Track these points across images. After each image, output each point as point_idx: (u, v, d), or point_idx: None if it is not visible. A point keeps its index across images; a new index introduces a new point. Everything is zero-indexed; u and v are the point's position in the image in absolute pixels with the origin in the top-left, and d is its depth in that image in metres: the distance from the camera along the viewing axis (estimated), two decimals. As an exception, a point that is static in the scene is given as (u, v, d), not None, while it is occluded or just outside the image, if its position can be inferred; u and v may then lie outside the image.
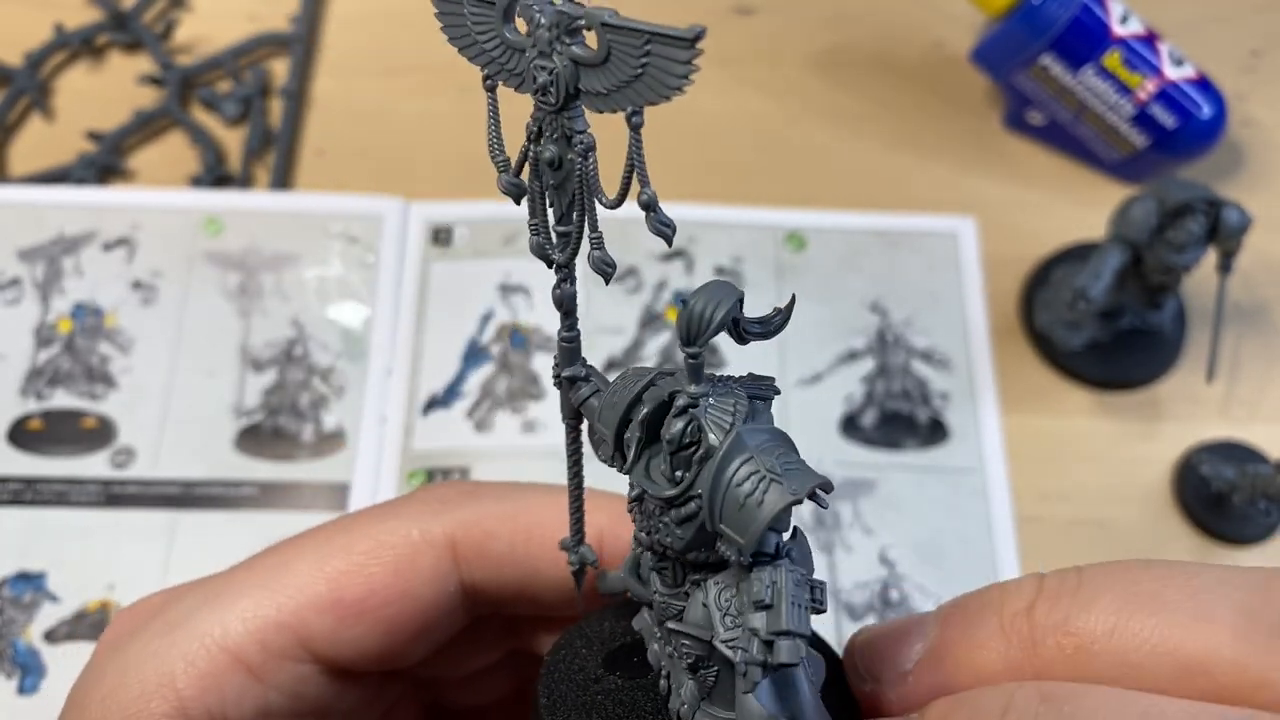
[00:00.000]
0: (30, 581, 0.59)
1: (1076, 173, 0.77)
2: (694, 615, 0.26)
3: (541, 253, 0.27)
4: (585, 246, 0.26)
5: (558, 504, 0.34)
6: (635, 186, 0.25)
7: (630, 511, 0.26)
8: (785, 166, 0.76)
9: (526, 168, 0.26)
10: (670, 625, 0.26)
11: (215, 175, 0.73)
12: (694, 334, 0.24)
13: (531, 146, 0.25)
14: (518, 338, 0.67)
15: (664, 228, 0.25)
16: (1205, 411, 0.68)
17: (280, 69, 0.78)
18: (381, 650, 0.33)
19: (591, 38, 0.24)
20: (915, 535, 0.63)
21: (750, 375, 0.26)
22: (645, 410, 0.26)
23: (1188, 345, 0.70)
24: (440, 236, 0.70)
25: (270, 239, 0.69)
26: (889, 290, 0.70)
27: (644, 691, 0.29)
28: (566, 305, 0.28)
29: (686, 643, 0.26)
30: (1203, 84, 0.71)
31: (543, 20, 0.23)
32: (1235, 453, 0.65)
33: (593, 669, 0.30)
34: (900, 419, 0.66)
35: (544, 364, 0.66)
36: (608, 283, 0.26)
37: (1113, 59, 0.70)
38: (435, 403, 0.65)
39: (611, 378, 0.28)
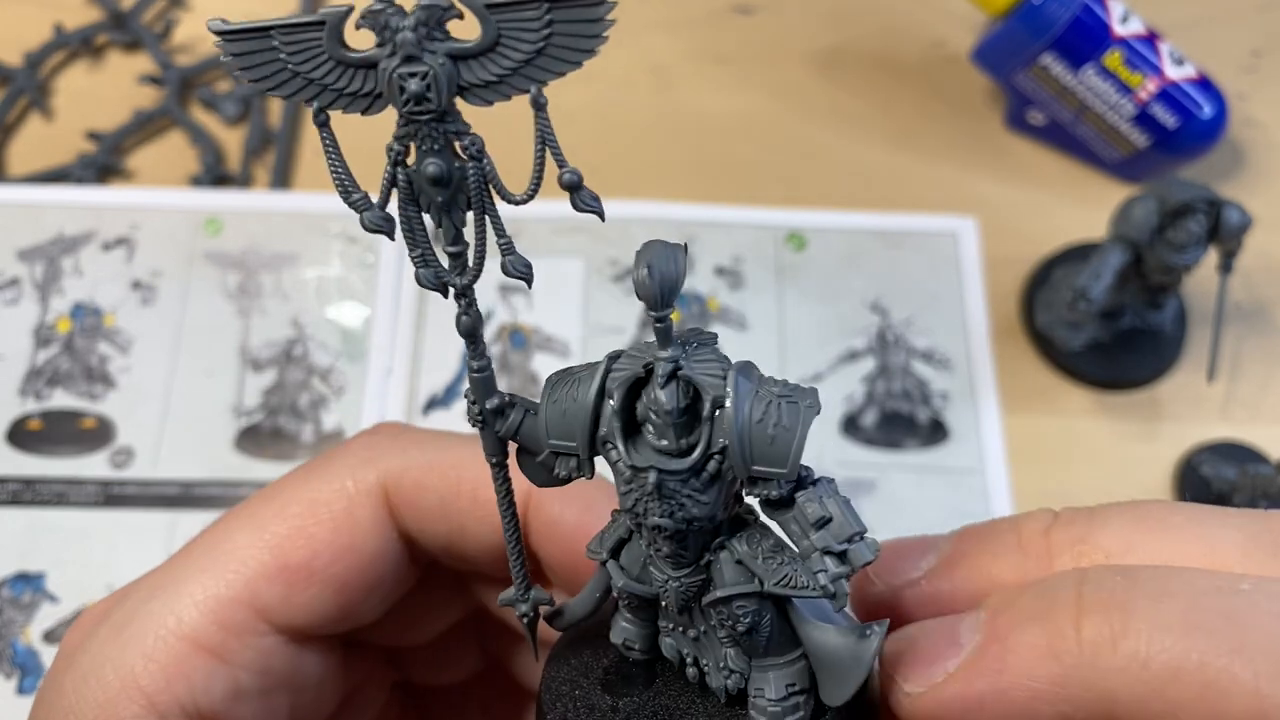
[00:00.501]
0: (29, 582, 0.59)
1: (1077, 172, 0.76)
2: (729, 577, 0.26)
3: (436, 283, 0.25)
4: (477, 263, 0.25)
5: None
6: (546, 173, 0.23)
7: (638, 504, 0.25)
8: (785, 166, 0.76)
9: (393, 196, 0.24)
10: (715, 595, 0.26)
11: (215, 175, 0.73)
12: (666, 294, 0.23)
13: (399, 170, 0.23)
14: (518, 338, 0.67)
15: (594, 204, 0.23)
16: (1206, 412, 0.68)
17: (280, 68, 0.78)
18: (338, 609, 0.32)
19: (459, 27, 0.22)
20: (915, 535, 0.63)
21: (691, 330, 0.25)
22: (617, 396, 0.25)
23: (1188, 345, 0.70)
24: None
25: (270, 239, 0.69)
26: (889, 290, 0.70)
27: (666, 695, 0.28)
28: (475, 332, 0.26)
29: (740, 604, 0.26)
30: (1203, 84, 0.71)
31: (403, 24, 0.22)
32: (1236, 453, 0.65)
33: (600, 701, 0.29)
34: (901, 419, 0.66)
35: (544, 364, 0.66)
36: (530, 285, 0.25)
37: (1113, 59, 0.70)
38: (435, 403, 0.65)
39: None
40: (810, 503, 0.24)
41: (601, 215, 0.23)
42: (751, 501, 0.26)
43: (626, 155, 0.73)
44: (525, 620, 0.30)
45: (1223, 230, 0.62)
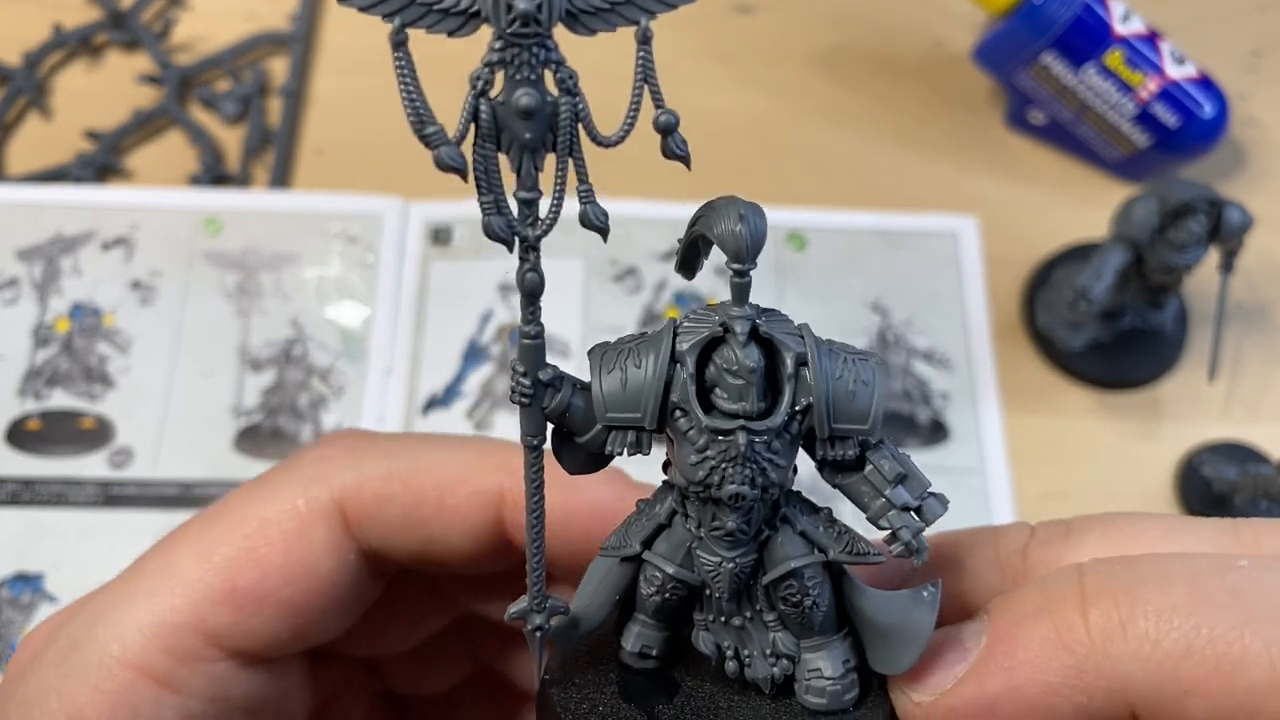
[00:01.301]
0: (28, 582, 0.59)
1: (1078, 172, 0.76)
2: (790, 550, 0.26)
3: (506, 233, 0.23)
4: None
5: (454, 459, 0.32)
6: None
7: (714, 472, 0.24)
8: (785, 166, 0.75)
9: (469, 133, 0.22)
10: (781, 571, 0.25)
11: (214, 175, 0.73)
12: (756, 247, 0.23)
13: (481, 101, 0.21)
14: (512, 337, 0.67)
15: (682, 149, 0.23)
16: (1207, 412, 0.68)
17: (279, 68, 0.78)
18: (291, 632, 0.31)
19: None
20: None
21: (722, 302, 0.25)
22: (691, 359, 0.24)
23: (1189, 345, 0.70)
24: (440, 236, 0.69)
25: (269, 239, 0.69)
26: (890, 290, 0.70)
27: (700, 698, 0.27)
28: (537, 292, 0.24)
29: (811, 574, 0.25)
30: (1204, 83, 0.71)
31: None
32: (1237, 453, 0.65)
33: (631, 713, 0.27)
34: (901, 419, 0.66)
35: (544, 364, 0.66)
36: (606, 239, 0.24)
37: (1114, 58, 0.70)
38: (435, 403, 0.65)
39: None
40: (886, 460, 0.25)
41: (688, 163, 0.23)
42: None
43: (626, 155, 0.73)
44: (538, 634, 0.27)
45: (1224, 230, 0.62)
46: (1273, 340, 0.70)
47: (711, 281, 0.69)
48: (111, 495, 0.61)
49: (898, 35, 0.81)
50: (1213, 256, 0.64)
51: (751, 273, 0.23)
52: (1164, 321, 0.69)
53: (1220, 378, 0.68)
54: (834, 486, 0.26)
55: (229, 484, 0.62)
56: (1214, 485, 0.63)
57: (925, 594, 0.25)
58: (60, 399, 0.64)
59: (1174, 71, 0.71)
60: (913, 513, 0.25)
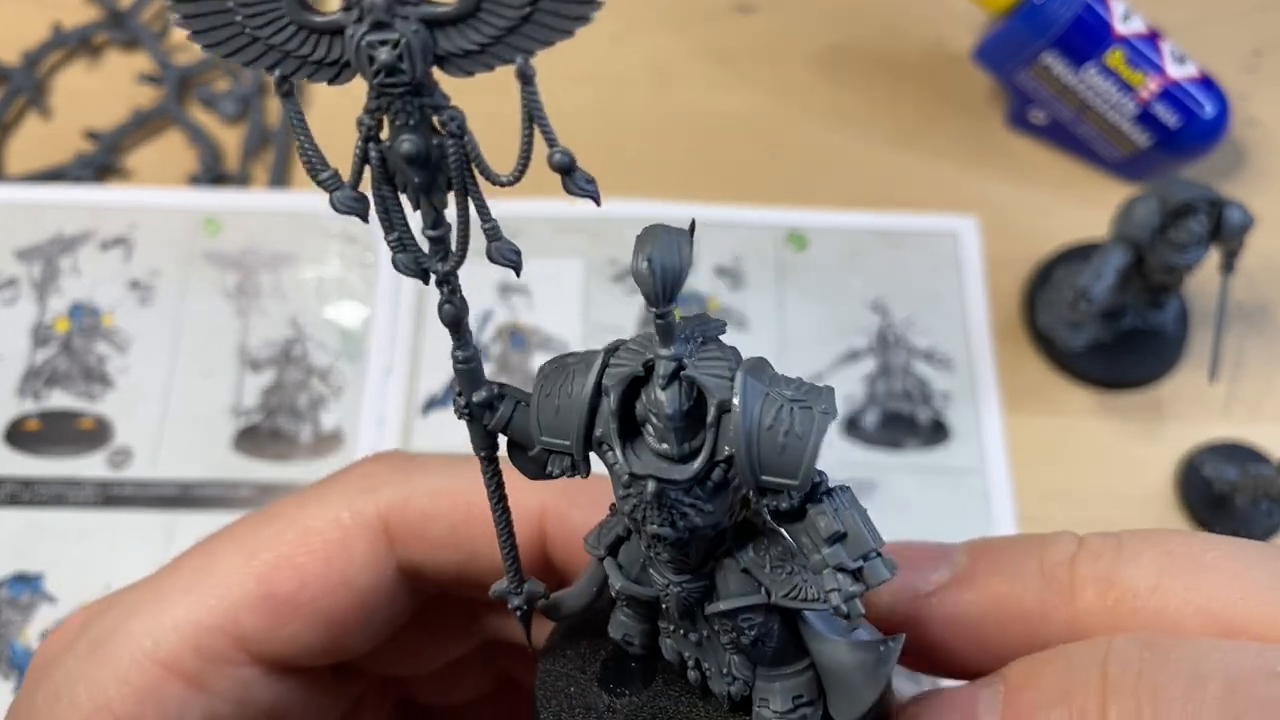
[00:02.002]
0: (28, 583, 0.59)
1: (1079, 172, 0.76)
2: (735, 587, 0.24)
3: (416, 268, 0.23)
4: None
5: None
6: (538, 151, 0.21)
7: (635, 510, 0.23)
8: (786, 166, 0.75)
9: (365, 174, 0.22)
10: (719, 608, 0.24)
11: (213, 174, 0.72)
12: (668, 288, 0.21)
13: (371, 146, 0.22)
14: (517, 338, 0.67)
15: (588, 187, 0.21)
16: (1207, 412, 0.68)
17: (279, 68, 0.77)
18: (323, 644, 0.31)
19: None
20: (917, 536, 0.62)
21: (696, 317, 0.24)
22: (614, 395, 0.23)
23: (1190, 345, 0.69)
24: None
25: (268, 238, 0.69)
26: (890, 290, 0.70)
27: (667, 696, 0.27)
28: (460, 320, 0.24)
29: (745, 615, 0.24)
30: (1205, 83, 0.71)
31: None
32: (1237, 453, 0.65)
33: (597, 700, 0.28)
34: (901, 419, 0.66)
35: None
36: (519, 274, 0.23)
37: (1115, 57, 0.70)
38: (435, 403, 0.65)
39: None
40: (822, 516, 0.22)
41: (597, 200, 0.21)
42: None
43: (626, 155, 0.73)
44: (519, 613, 0.29)
45: (1224, 230, 0.62)
46: (1273, 340, 0.70)
47: (712, 281, 0.69)
48: (110, 495, 0.61)
49: (898, 35, 0.81)
50: (1213, 256, 0.64)
51: (674, 311, 0.22)
52: (1165, 321, 0.69)
53: (1221, 378, 0.68)
54: (780, 528, 0.24)
55: (228, 484, 0.62)
56: (1214, 485, 0.63)
57: (881, 649, 0.24)
58: (59, 399, 0.64)
59: (1175, 71, 0.71)
60: (852, 574, 0.22)
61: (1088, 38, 0.70)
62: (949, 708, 0.24)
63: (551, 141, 0.20)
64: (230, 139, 0.75)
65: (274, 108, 0.76)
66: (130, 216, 0.69)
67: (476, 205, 0.22)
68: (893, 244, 0.71)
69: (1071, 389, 0.68)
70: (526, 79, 0.20)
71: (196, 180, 0.72)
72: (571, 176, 0.21)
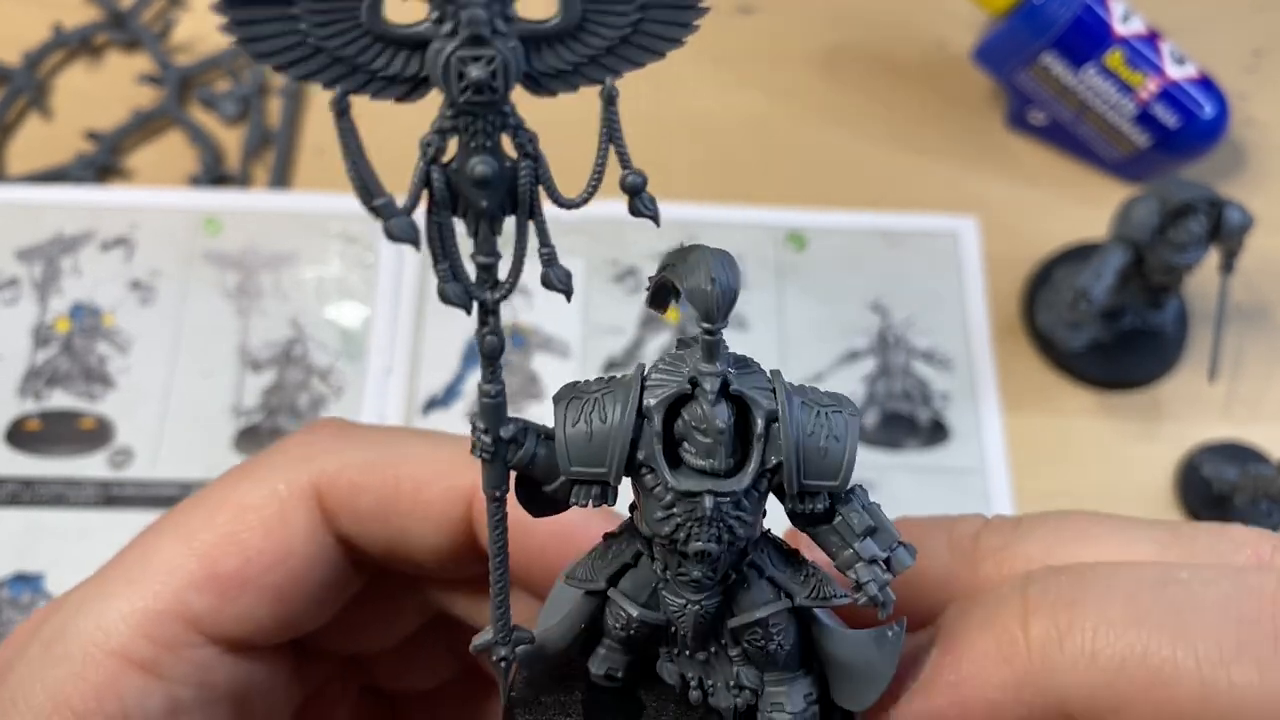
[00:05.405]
0: (28, 583, 0.59)
1: (1078, 172, 0.76)
2: (758, 597, 0.25)
3: (463, 299, 0.22)
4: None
5: (433, 455, 0.31)
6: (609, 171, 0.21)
7: (679, 529, 0.24)
8: (786, 166, 0.75)
9: (421, 200, 0.21)
10: (754, 616, 0.25)
11: (214, 175, 0.72)
12: (726, 307, 0.22)
13: (433, 169, 0.20)
14: (517, 338, 0.67)
15: (651, 209, 0.21)
16: (1207, 412, 0.68)
17: (279, 68, 0.77)
18: (273, 617, 0.31)
19: (530, 4, 0.19)
20: (916, 536, 0.63)
21: (689, 338, 0.24)
22: (657, 418, 0.23)
23: (1189, 345, 0.69)
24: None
25: (269, 239, 0.69)
26: (890, 290, 0.70)
27: (666, 718, 0.28)
28: (498, 354, 0.23)
29: (775, 621, 0.25)
30: (1204, 83, 0.71)
31: None
32: (1237, 453, 0.65)
33: None
34: (901, 419, 0.66)
35: (544, 364, 0.66)
36: (569, 299, 0.23)
37: (1114, 58, 0.70)
38: (435, 403, 0.65)
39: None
40: (854, 513, 0.24)
41: (657, 220, 0.22)
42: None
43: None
44: (503, 665, 0.27)
45: (1224, 230, 0.62)
46: (1273, 340, 0.70)
47: (711, 282, 0.69)
48: (111, 495, 0.61)
49: (898, 35, 0.81)
50: (1213, 257, 0.64)
51: (723, 330, 0.22)
52: (1164, 322, 0.69)
53: (1220, 378, 0.68)
54: (805, 532, 0.25)
55: (229, 484, 0.62)
56: (1214, 485, 0.63)
57: (890, 634, 0.25)
58: (60, 399, 0.64)
59: (1174, 72, 0.71)
60: (881, 564, 0.24)
61: (1087, 38, 0.70)
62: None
63: (626, 163, 0.20)
64: (230, 139, 0.75)
65: (274, 108, 0.76)
66: (131, 217, 0.69)
67: (538, 230, 0.21)
68: (893, 244, 0.71)
69: (1071, 389, 0.68)
70: (610, 99, 0.20)
71: (197, 180, 0.72)
72: (640, 197, 0.21)
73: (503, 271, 0.22)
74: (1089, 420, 0.67)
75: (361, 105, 0.20)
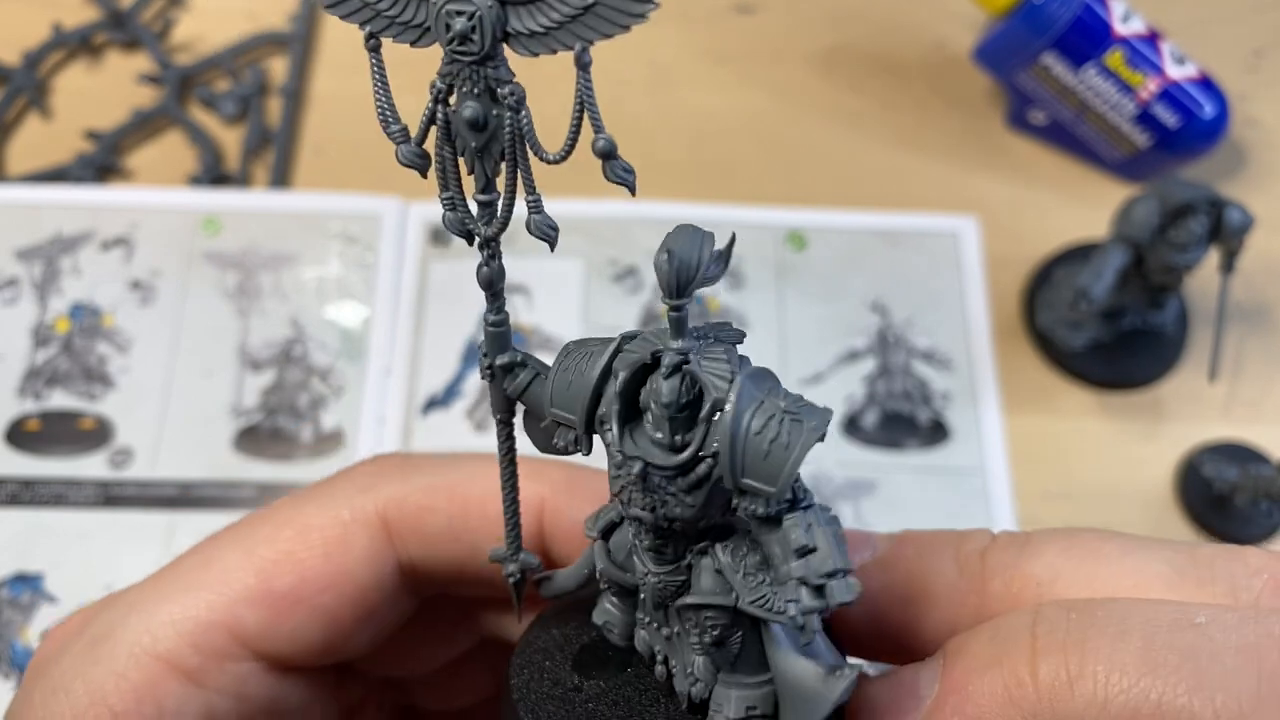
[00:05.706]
0: (28, 583, 0.59)
1: (1078, 172, 0.76)
2: (706, 585, 0.25)
3: (461, 228, 0.25)
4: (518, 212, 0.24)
5: (493, 470, 0.32)
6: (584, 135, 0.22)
7: (623, 491, 0.24)
8: (786, 166, 0.75)
9: (431, 134, 0.23)
10: (687, 601, 0.25)
11: (213, 174, 0.72)
12: (683, 283, 0.22)
13: (440, 108, 0.23)
14: (518, 338, 0.67)
15: (626, 175, 0.22)
16: (1207, 412, 0.68)
17: (279, 68, 0.77)
18: (323, 640, 0.31)
19: None
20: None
21: (719, 323, 0.25)
22: (621, 378, 0.24)
23: (1190, 345, 0.69)
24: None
25: (269, 239, 0.69)
26: (890, 290, 0.70)
27: (633, 687, 0.28)
28: (495, 284, 0.26)
29: (710, 615, 0.25)
30: (1205, 83, 0.71)
31: None
32: (1237, 453, 0.65)
33: (567, 678, 0.28)
34: (901, 419, 0.66)
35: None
36: (553, 248, 0.24)
37: (1115, 58, 0.70)
38: (434, 403, 0.65)
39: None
40: (795, 528, 0.23)
41: (632, 189, 0.23)
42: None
43: (626, 155, 0.73)
44: (512, 581, 0.30)
45: (1224, 230, 0.62)
46: (1273, 340, 0.70)
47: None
48: (111, 495, 0.61)
49: (898, 35, 0.81)
50: (1213, 257, 0.64)
51: (688, 306, 0.23)
52: (1164, 322, 0.69)
53: (1221, 378, 0.68)
54: (756, 535, 0.25)
55: (229, 484, 0.62)
56: (1214, 485, 0.63)
57: (840, 672, 0.24)
58: (60, 399, 0.64)
59: (1174, 72, 0.71)
60: (811, 590, 0.23)
61: (1087, 38, 0.70)
62: (895, 685, 0.25)
63: (598, 127, 0.22)
64: (230, 139, 0.75)
65: (274, 108, 0.76)
66: (131, 216, 0.69)
67: (524, 178, 0.24)
68: (893, 244, 0.71)
69: (1071, 389, 0.68)
70: (583, 66, 0.22)
71: (197, 180, 0.72)
72: (611, 163, 0.22)
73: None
74: (1089, 420, 0.67)
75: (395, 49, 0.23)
